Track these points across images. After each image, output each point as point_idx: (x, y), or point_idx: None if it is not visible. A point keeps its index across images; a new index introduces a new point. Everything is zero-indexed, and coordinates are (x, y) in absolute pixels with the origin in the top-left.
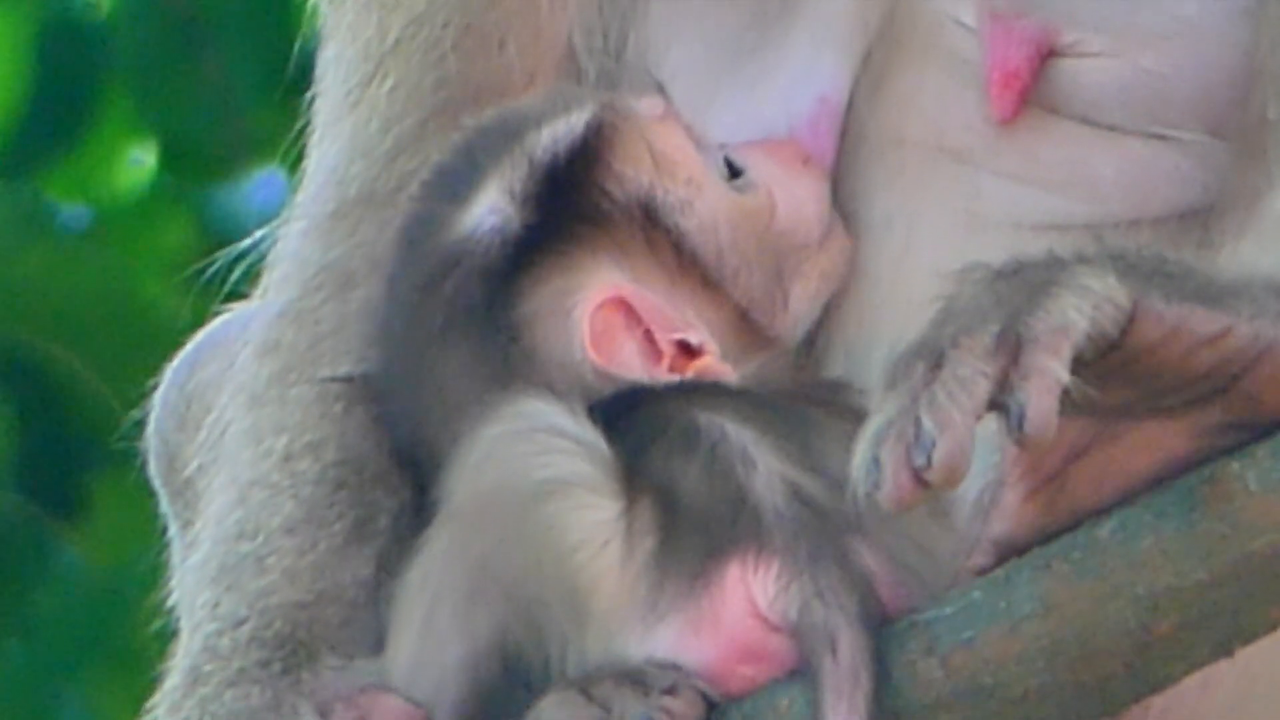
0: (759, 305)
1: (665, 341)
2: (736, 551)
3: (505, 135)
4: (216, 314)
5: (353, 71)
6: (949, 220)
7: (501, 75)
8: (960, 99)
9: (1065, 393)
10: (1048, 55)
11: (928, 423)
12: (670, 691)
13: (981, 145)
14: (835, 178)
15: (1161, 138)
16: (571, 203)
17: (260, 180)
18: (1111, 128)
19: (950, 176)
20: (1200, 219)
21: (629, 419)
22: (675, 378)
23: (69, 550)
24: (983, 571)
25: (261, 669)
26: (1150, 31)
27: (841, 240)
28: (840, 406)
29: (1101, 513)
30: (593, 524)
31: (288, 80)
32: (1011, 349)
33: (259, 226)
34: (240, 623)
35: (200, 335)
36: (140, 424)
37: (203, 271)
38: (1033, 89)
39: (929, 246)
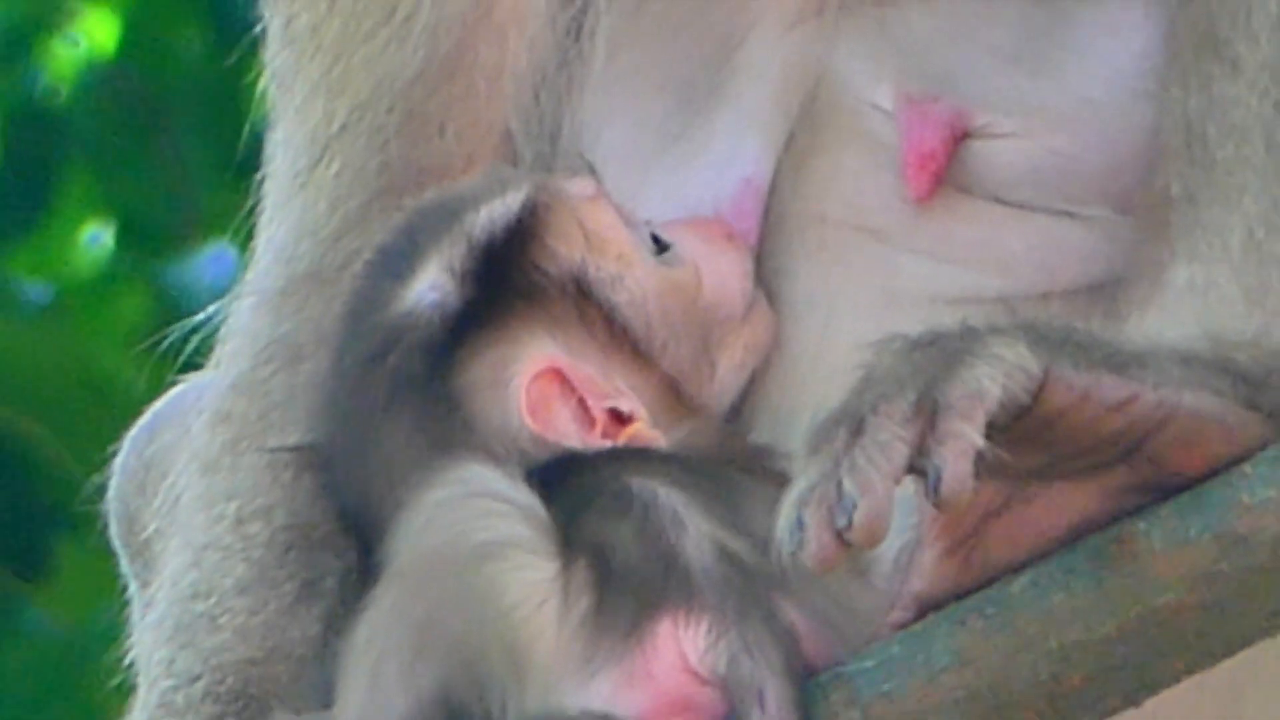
0: (687, 375)
1: (598, 409)
2: (668, 609)
3: (445, 215)
4: (172, 384)
5: (300, 154)
6: (868, 295)
7: (441, 159)
8: (878, 180)
9: (980, 456)
10: (961, 137)
11: (849, 486)
12: None
13: (898, 224)
14: (759, 255)
15: (1070, 215)
16: (508, 279)
17: (213, 256)
18: (1022, 205)
19: (869, 254)
20: (1107, 291)
21: (565, 483)
22: (608, 444)
23: (33, 609)
24: (902, 626)
25: None
26: (1058, 114)
27: (765, 314)
28: (765, 471)
29: (1015, 570)
30: (530, 584)
31: (238, 162)
32: (928, 415)
33: (212, 301)
34: (195, 679)
35: (157, 405)
36: (101, 489)
37: (159, 344)
38: (947, 169)
39: (849, 320)
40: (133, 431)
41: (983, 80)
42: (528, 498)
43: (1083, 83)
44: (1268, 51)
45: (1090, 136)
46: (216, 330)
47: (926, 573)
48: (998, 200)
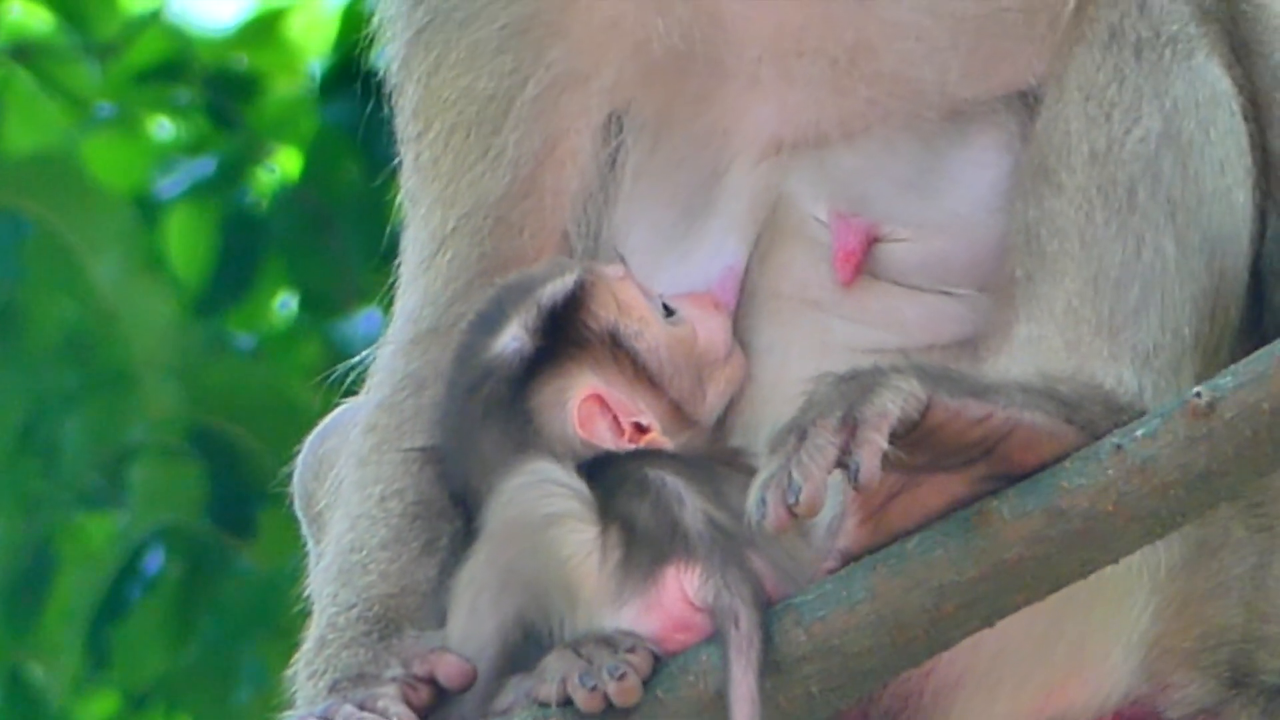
0: (686, 400)
1: (626, 423)
2: (673, 560)
3: (522, 290)
4: (337, 405)
5: (424, 248)
6: (809, 346)
7: (520, 252)
8: (817, 268)
9: (885, 456)
10: (874, 240)
11: (796, 476)
12: (631, 650)
13: (830, 299)
14: (736, 318)
15: (947, 293)
16: (565, 333)
17: (365, 317)
18: (915, 287)
19: (810, 318)
20: (972, 345)
21: (603, 473)
22: (632, 447)
23: (243, 560)
24: (832, 572)
25: (365, 637)
26: (939, 224)
27: (740, 359)
28: (740, 465)
29: (909, 533)
30: (579, 542)
31: (383, 252)
32: (850, 428)
33: (365, 348)
34: (351, 607)
35: (327, 419)
36: (289, 476)
37: (328, 377)
38: (864, 263)
39: (796, 363)
40: (310, 437)
41: (888, 201)
42: (578, 483)
43: (956, 202)
44: (1081, 178)
45: (961, 239)
46: (367, 368)
47: (848, 535)
48: (898, 284)
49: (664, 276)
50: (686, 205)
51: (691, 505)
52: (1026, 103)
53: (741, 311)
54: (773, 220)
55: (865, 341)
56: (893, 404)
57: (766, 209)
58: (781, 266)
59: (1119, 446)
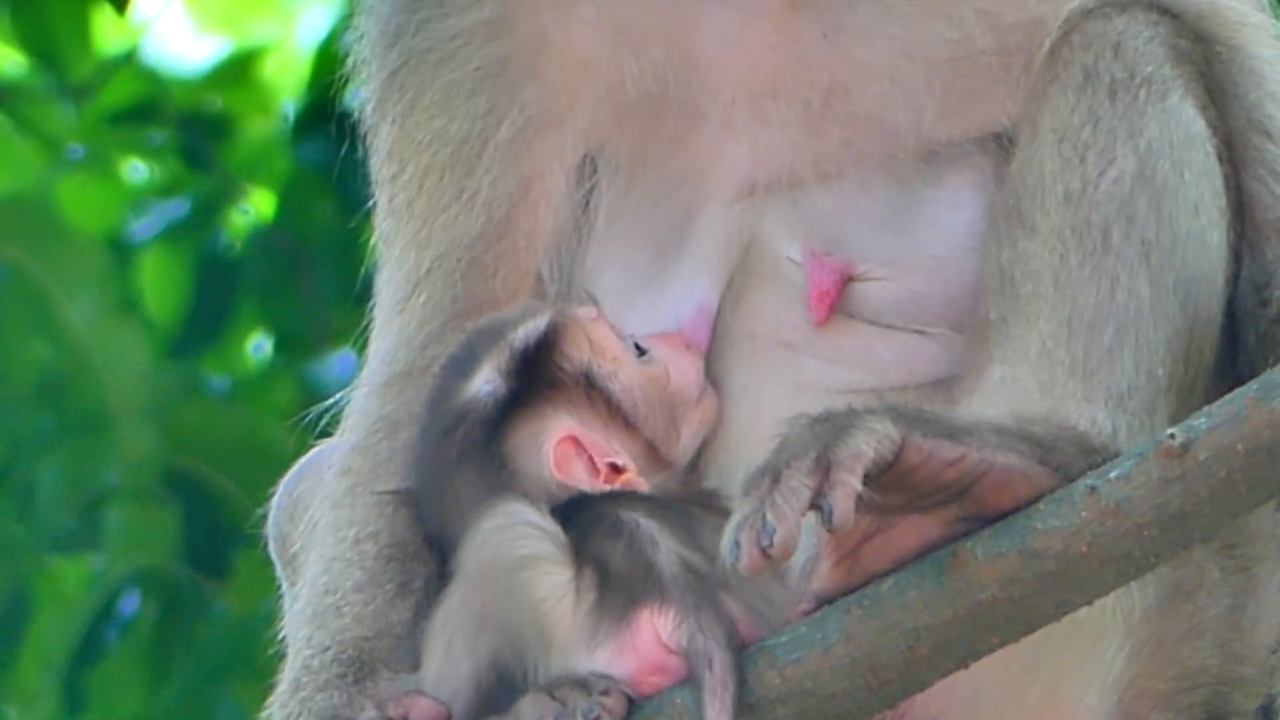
0: (660, 440)
1: (601, 464)
2: (647, 602)
3: (495, 333)
4: (312, 447)
5: (398, 290)
6: (783, 387)
7: (494, 294)
8: (790, 309)
9: (859, 498)
10: (848, 280)
11: (770, 518)
12: (605, 693)
13: (804, 339)
14: (709, 359)
15: (921, 333)
16: (539, 375)
17: (339, 359)
18: (889, 327)
19: (783, 359)
20: (946, 385)
21: (578, 515)
22: (607, 488)
23: (218, 601)
24: (806, 614)
25: (340, 680)
26: (914, 264)
27: (712, 399)
28: (713, 507)
29: (883, 575)
30: (553, 585)
31: (357, 294)
32: (824, 469)
33: (339, 390)
34: (325, 649)
35: (301, 461)
36: (264, 517)
37: (303, 419)
38: (838, 302)
39: (770, 403)
40: (285, 479)
41: (863, 241)
42: (552, 525)
43: (930, 242)
44: (1055, 220)
45: (936, 279)
46: (342, 410)
47: (823, 577)
48: (872, 323)
49: (637, 317)
50: (660, 246)
51: (665, 547)
52: (1001, 144)
53: (715, 352)
54: (746, 261)
55: (839, 382)
56: (867, 445)
57: (740, 250)
58: (755, 307)
59: (1093, 488)
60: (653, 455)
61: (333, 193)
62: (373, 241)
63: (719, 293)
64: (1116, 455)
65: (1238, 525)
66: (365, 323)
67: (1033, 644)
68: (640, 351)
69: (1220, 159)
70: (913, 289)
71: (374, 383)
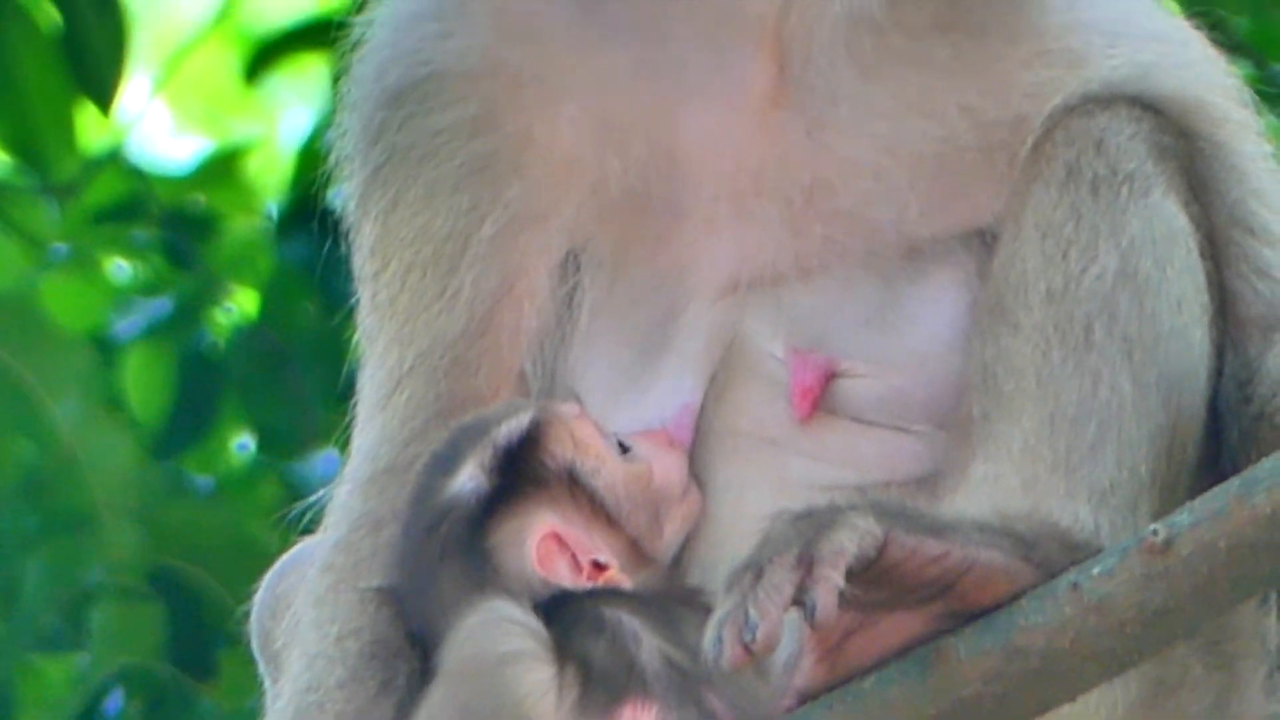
0: (643, 537)
1: (585, 561)
2: (630, 698)
3: (478, 430)
4: (295, 544)
5: (381, 386)
6: (766, 483)
7: (476, 391)
8: (774, 405)
9: (841, 594)
10: (831, 377)
11: (753, 613)
12: None
13: (787, 435)
14: (692, 455)
15: (904, 430)
16: (522, 472)
17: (323, 457)
18: (872, 423)
19: (766, 455)
20: (929, 482)
21: (561, 612)
22: (590, 585)
23: (204, 701)
24: (789, 710)
25: None
26: (896, 362)
27: (696, 495)
28: (696, 604)
29: (866, 672)
30: (536, 681)
31: (340, 391)
32: (806, 565)
33: (322, 488)
34: None
35: (284, 558)
36: (247, 615)
37: (285, 517)
38: (821, 399)
39: (753, 500)
40: (268, 576)
41: (846, 338)
42: (535, 622)
43: (913, 340)
44: (1038, 316)
45: (919, 376)
46: (324, 507)
47: (805, 673)
48: (855, 420)
49: (620, 414)
50: (643, 343)
51: (648, 644)
52: (984, 241)
53: (699, 448)
54: (729, 358)
55: (822, 478)
56: (849, 542)
57: (723, 347)
58: (738, 404)
59: (1076, 584)
60: (636, 552)
61: (316, 291)
62: (355, 339)
63: (702, 389)
64: (1099, 551)
65: (1220, 622)
66: (348, 420)
67: None
68: (623, 449)
69: (1203, 255)
70: (896, 386)
71: (357, 479)
